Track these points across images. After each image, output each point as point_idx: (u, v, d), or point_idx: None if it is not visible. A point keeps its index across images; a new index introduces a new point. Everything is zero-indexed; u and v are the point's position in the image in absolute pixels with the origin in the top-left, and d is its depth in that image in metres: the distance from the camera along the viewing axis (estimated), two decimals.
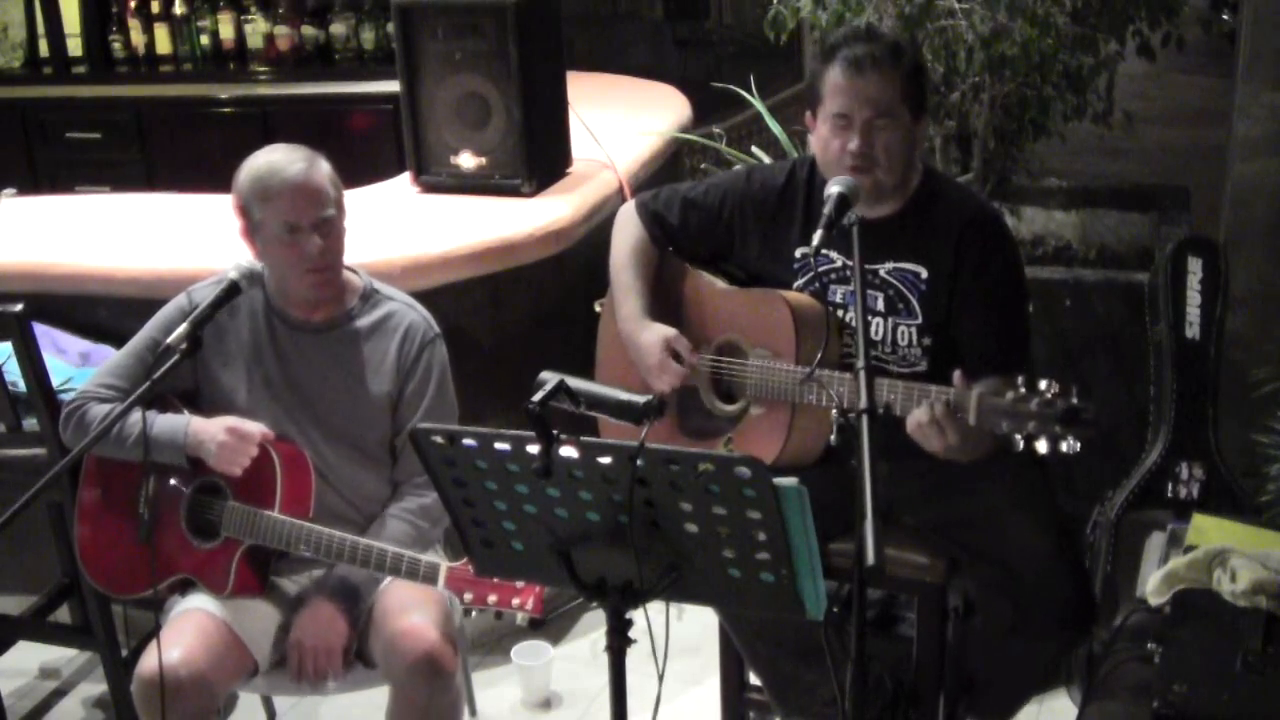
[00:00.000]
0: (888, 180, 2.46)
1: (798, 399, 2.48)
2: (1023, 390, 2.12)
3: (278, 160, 2.53)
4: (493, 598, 2.30)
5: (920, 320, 2.52)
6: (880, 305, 2.54)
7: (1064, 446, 2.07)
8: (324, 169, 2.56)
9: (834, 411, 2.43)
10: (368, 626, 2.54)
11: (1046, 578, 2.45)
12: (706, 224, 2.70)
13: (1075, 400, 2.07)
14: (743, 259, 2.69)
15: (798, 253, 2.61)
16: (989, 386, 2.18)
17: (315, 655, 2.47)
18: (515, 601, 2.29)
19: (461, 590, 2.33)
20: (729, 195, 2.68)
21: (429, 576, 2.38)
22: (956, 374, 2.22)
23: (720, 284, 2.69)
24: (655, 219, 2.74)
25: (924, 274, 2.51)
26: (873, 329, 2.54)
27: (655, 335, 2.63)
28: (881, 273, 2.53)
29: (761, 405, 2.56)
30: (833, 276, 2.58)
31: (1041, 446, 2.09)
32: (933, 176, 2.59)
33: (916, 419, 2.25)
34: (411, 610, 2.46)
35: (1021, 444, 2.11)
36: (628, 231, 2.77)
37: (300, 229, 2.51)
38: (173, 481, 2.59)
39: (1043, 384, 2.10)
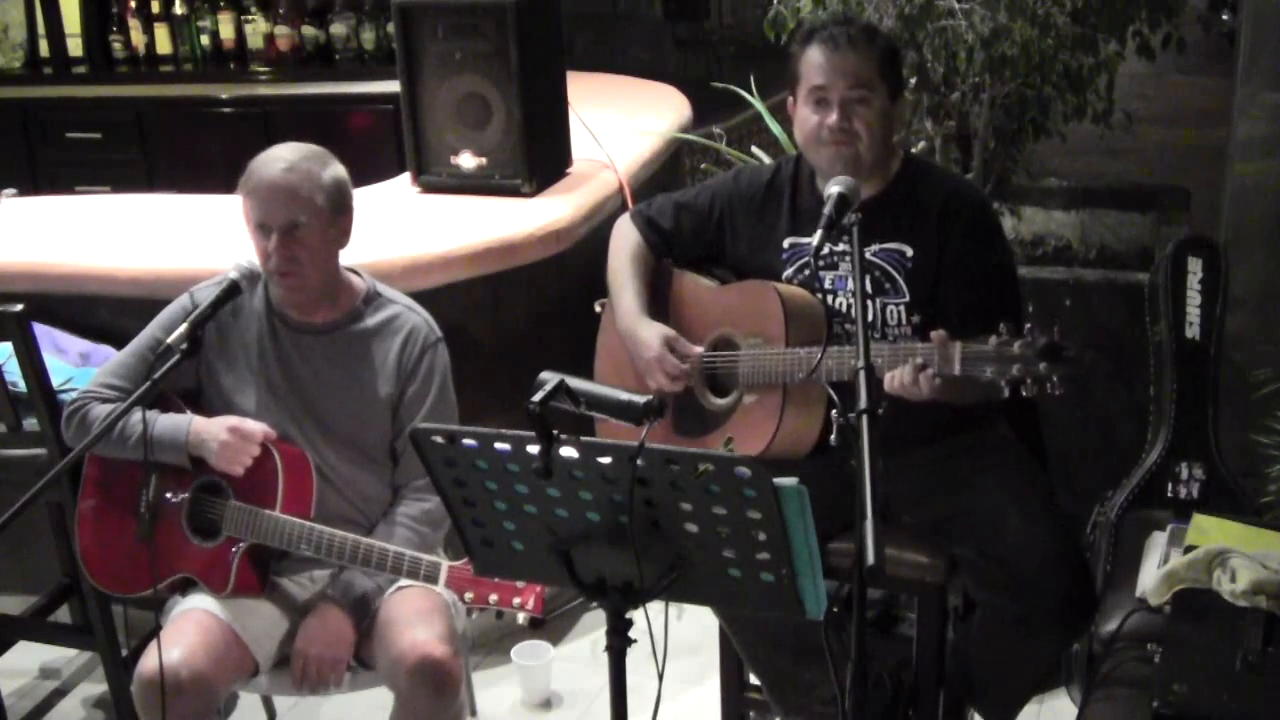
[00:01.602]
0: (867, 155, 2.49)
1: (789, 380, 2.49)
2: (1005, 335, 2.15)
3: (271, 156, 2.54)
4: (494, 597, 2.31)
5: (908, 298, 2.54)
6: (867, 286, 2.55)
7: (1049, 388, 2.09)
8: (316, 175, 2.52)
9: (833, 412, 2.43)
10: (370, 632, 2.53)
11: (1045, 570, 2.44)
12: (698, 224, 2.75)
13: (1057, 338, 2.11)
14: (734, 257, 2.72)
15: (786, 242, 2.63)
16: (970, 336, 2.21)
17: (320, 665, 2.47)
18: (516, 601, 2.29)
19: (462, 589, 2.33)
20: (718, 194, 2.74)
21: (430, 576, 2.38)
22: (935, 334, 2.25)
23: (711, 283, 2.72)
24: (650, 225, 2.78)
25: (909, 252, 2.54)
26: None
27: (654, 331, 2.65)
28: (867, 254, 2.55)
29: (754, 393, 2.57)
30: (821, 263, 2.60)
31: (1026, 391, 2.11)
32: (913, 159, 2.65)
33: (898, 379, 2.28)
34: (418, 623, 2.45)
35: (1007, 391, 2.13)
36: (624, 239, 2.80)
37: (265, 229, 2.51)
38: (174, 481, 2.59)
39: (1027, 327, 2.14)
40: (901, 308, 2.54)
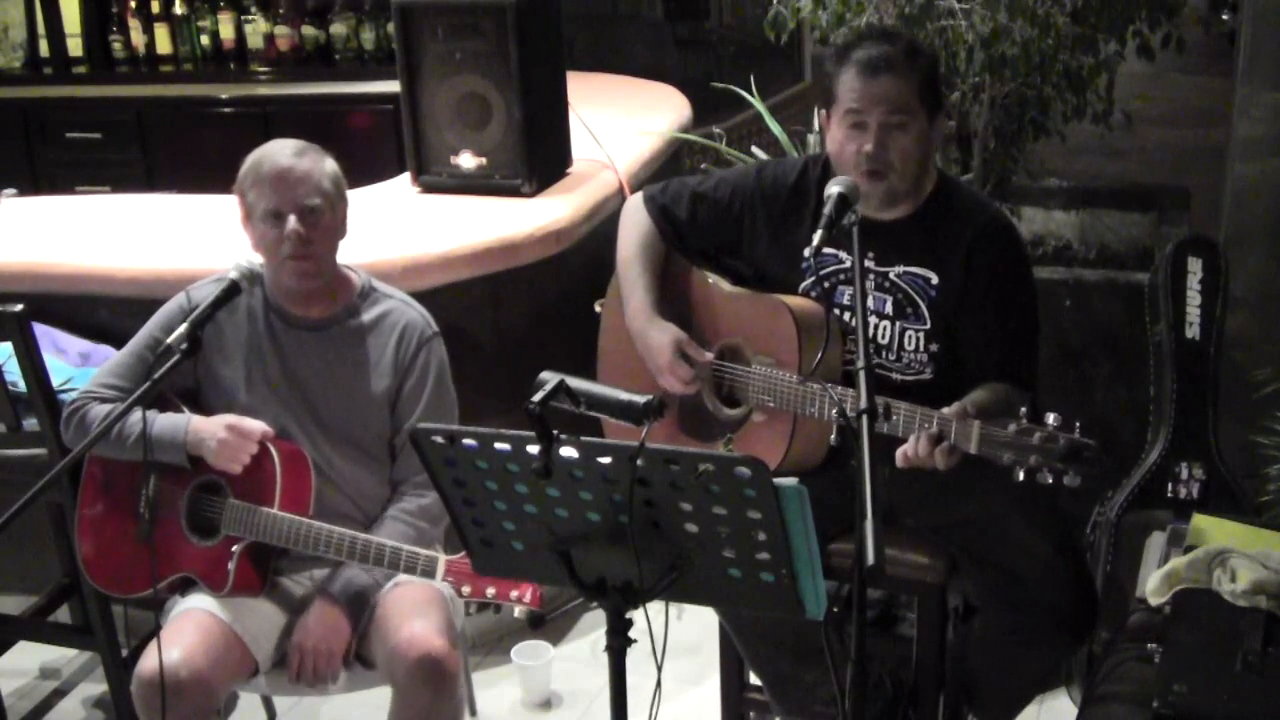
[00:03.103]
0: (900, 185, 2.44)
1: (800, 410, 2.47)
2: (1025, 423, 2.12)
3: (274, 148, 2.57)
4: (491, 590, 2.31)
5: (928, 326, 2.51)
6: (889, 309, 2.53)
7: (1066, 480, 2.07)
8: (321, 163, 2.57)
9: (834, 411, 2.43)
10: (369, 629, 2.54)
11: (1048, 582, 2.45)
12: (715, 219, 2.68)
13: (1078, 436, 2.08)
14: (750, 257, 2.67)
15: (806, 252, 2.60)
16: (990, 414, 2.18)
17: (316, 658, 2.47)
18: (514, 594, 2.29)
19: (460, 583, 2.33)
20: (739, 191, 2.66)
21: (428, 570, 2.38)
22: (953, 407, 2.23)
23: (725, 285, 2.67)
24: (663, 212, 2.71)
25: (934, 279, 2.50)
26: (880, 333, 2.54)
27: (666, 336, 2.62)
28: (891, 275, 2.52)
29: (764, 412, 2.56)
30: (840, 277, 2.57)
31: (1040, 480, 2.09)
32: (947, 182, 2.58)
33: (912, 452, 2.24)
34: (415, 616, 2.46)
35: (1022, 475, 2.11)
36: (635, 224, 2.74)
37: (282, 215, 2.52)
38: (173, 481, 2.59)
39: (1049, 417, 2.10)
40: (921, 334, 2.51)
